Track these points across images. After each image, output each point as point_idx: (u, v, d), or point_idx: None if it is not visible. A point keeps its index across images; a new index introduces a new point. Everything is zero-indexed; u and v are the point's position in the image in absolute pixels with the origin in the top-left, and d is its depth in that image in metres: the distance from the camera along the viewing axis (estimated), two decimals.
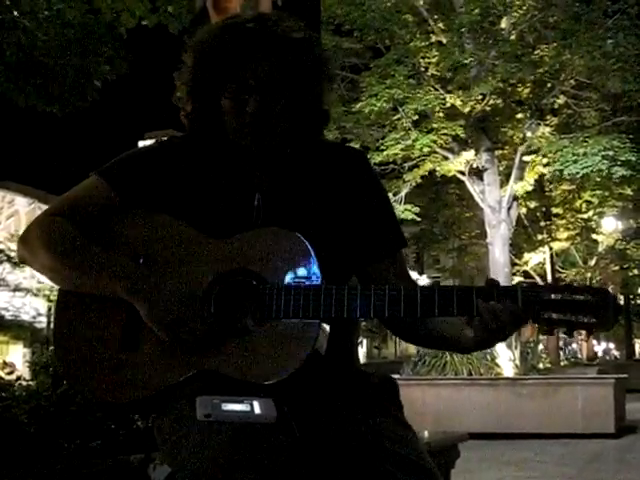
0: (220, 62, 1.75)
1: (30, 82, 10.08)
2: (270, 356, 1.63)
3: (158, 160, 1.85)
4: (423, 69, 19.86)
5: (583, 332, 1.65)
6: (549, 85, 19.75)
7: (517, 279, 25.54)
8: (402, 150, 19.46)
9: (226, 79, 1.75)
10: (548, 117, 20.31)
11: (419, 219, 22.34)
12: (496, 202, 19.60)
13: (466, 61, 18.55)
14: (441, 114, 19.21)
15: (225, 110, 1.77)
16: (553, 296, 1.62)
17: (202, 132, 1.84)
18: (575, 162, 18.55)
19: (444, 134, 19.35)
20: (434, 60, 19.63)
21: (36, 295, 20.69)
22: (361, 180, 1.88)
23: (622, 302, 34.59)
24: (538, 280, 28.27)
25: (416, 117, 19.35)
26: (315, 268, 1.67)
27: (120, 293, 1.67)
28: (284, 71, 1.75)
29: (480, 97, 18.90)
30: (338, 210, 1.83)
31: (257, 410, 1.57)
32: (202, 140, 1.85)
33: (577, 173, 18.77)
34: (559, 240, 27.55)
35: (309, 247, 1.68)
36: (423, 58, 19.84)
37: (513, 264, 24.49)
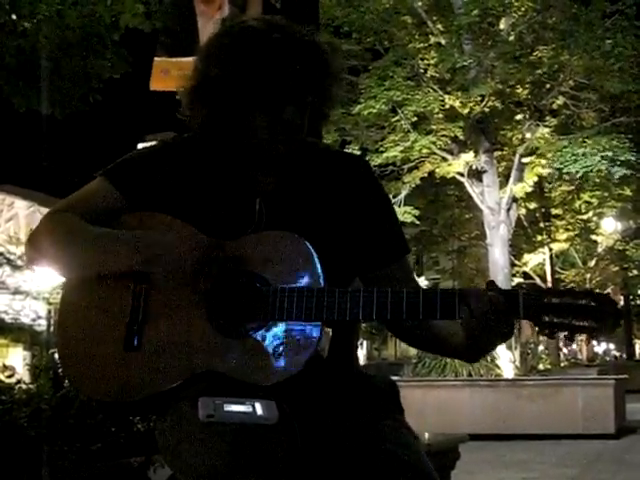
0: (252, 77, 1.73)
1: (30, 85, 10.08)
2: (273, 358, 1.63)
3: (162, 161, 1.85)
4: (422, 70, 19.86)
5: (584, 336, 1.65)
6: (548, 86, 19.77)
7: (517, 280, 25.56)
8: (401, 152, 19.46)
9: (259, 93, 1.73)
10: (547, 118, 20.31)
11: (418, 221, 22.36)
12: (495, 203, 19.60)
13: (465, 62, 18.55)
14: (440, 115, 19.21)
15: (256, 122, 1.75)
16: (554, 300, 1.62)
17: (214, 138, 1.84)
18: (575, 162, 18.57)
19: (443, 135, 19.35)
20: (433, 61, 19.64)
21: (36, 298, 20.68)
22: (363, 187, 1.88)
23: (622, 303, 34.62)
24: (538, 281, 28.30)
25: (415, 119, 19.36)
26: (319, 271, 1.68)
27: (130, 261, 1.68)
28: (315, 79, 1.76)
29: (479, 98, 18.89)
30: (339, 216, 1.83)
31: (259, 411, 1.57)
32: (206, 143, 1.85)
33: (577, 172, 18.79)
34: (559, 241, 27.56)
35: (313, 251, 1.69)
36: (422, 59, 19.85)
37: (513, 265, 24.49)
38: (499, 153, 20.51)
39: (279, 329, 1.65)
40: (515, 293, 1.63)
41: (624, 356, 45.09)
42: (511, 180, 19.93)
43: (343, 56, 19.88)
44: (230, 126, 1.79)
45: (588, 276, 30.66)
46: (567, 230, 27.17)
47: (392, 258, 1.88)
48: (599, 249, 30.28)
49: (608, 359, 47.02)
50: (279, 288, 1.66)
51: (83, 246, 1.74)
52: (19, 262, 19.59)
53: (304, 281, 1.67)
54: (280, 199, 1.81)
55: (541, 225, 27.83)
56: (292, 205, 1.81)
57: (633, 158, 18.73)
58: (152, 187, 1.82)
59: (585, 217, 26.52)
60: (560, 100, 20.26)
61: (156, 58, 4.30)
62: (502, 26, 19.58)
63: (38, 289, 20.22)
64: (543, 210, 27.16)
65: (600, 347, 50.21)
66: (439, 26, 19.80)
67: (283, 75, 1.72)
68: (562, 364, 27.93)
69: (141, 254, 1.68)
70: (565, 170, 18.96)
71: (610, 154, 18.39)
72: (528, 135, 19.95)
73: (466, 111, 19.06)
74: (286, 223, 1.75)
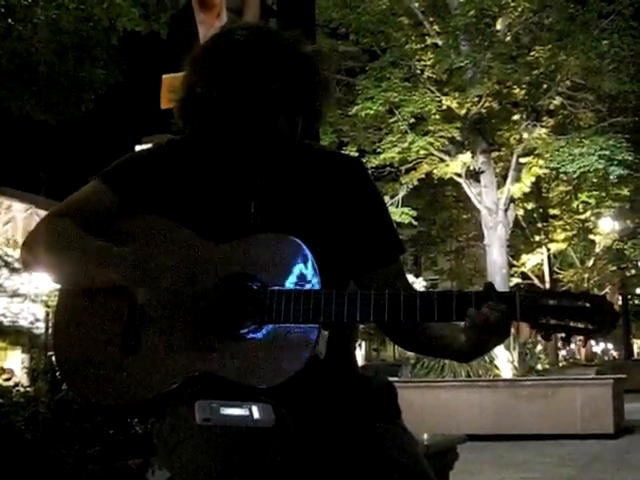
0: (238, 90, 1.72)
1: (25, 89, 10.09)
2: (269, 360, 1.63)
3: (157, 164, 1.85)
4: (419, 71, 19.89)
5: (581, 337, 1.66)
6: (545, 86, 19.78)
7: (515, 280, 25.59)
8: (399, 153, 19.48)
9: (245, 106, 1.72)
10: (544, 118, 20.34)
11: (416, 222, 22.38)
12: (493, 204, 19.62)
13: (462, 63, 18.57)
14: (437, 116, 19.23)
15: (244, 133, 1.75)
16: (551, 302, 1.63)
17: (206, 146, 1.83)
18: (572, 161, 18.60)
19: (440, 136, 19.37)
20: (430, 62, 19.66)
21: (34, 301, 20.70)
22: (358, 188, 1.88)
23: (620, 303, 34.65)
24: (536, 281, 28.33)
25: (412, 120, 19.38)
26: (315, 273, 1.67)
27: (121, 280, 1.66)
28: (301, 89, 1.75)
29: (476, 99, 18.92)
30: (334, 217, 1.83)
31: (256, 414, 1.57)
32: (201, 147, 1.85)
33: (574, 172, 18.83)
34: (556, 241, 27.61)
35: (309, 252, 1.68)
36: (419, 60, 19.88)
37: (511, 265, 24.53)
38: (496, 154, 20.53)
39: (276, 331, 1.65)
40: (512, 295, 1.64)
41: (616, 356, 45.14)
42: (509, 180, 19.95)
43: (339, 57, 19.97)
44: (219, 137, 1.79)
45: (586, 276, 30.69)
46: (565, 230, 27.21)
47: (387, 260, 1.88)
48: (597, 249, 30.32)
49: (606, 359, 47.06)
50: (276, 290, 1.66)
51: (78, 258, 1.73)
52: (17, 265, 19.58)
53: (301, 283, 1.67)
54: (275, 201, 1.81)
55: (539, 225, 27.89)
56: (287, 207, 1.81)
57: (630, 158, 18.77)
58: (148, 189, 1.81)
59: (583, 217, 26.54)
60: (557, 100, 20.28)
61: (164, 76, 4.28)
62: (499, 27, 19.60)
63: (36, 292, 20.22)
64: (541, 210, 27.20)
65: (598, 347, 50.25)
66: (436, 27, 19.82)
67: (271, 85, 1.71)
68: (560, 364, 28.03)
69: (135, 271, 1.66)
70: (562, 170, 19.00)
71: (607, 154, 18.42)
72: (525, 135, 19.96)
73: (463, 112, 19.09)
74: (281, 225, 1.75)
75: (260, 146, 1.75)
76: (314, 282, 1.67)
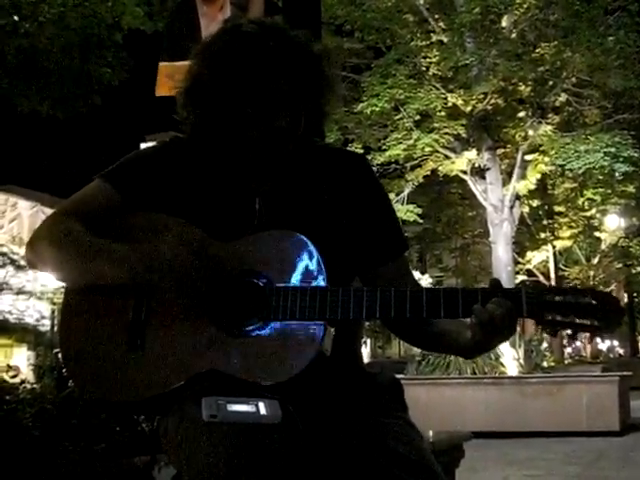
0: (243, 84, 1.72)
1: (32, 86, 10.11)
2: (275, 357, 1.63)
3: (161, 162, 1.85)
4: (424, 69, 19.87)
5: (586, 334, 1.65)
6: (550, 83, 19.76)
7: (520, 278, 25.55)
8: (404, 150, 19.47)
9: (250, 100, 1.73)
10: (550, 115, 20.32)
11: (421, 219, 22.37)
12: (498, 201, 19.61)
13: (467, 60, 18.55)
14: (443, 114, 19.22)
15: (247, 128, 1.75)
16: (557, 298, 1.62)
17: (206, 141, 1.83)
18: (578, 158, 18.58)
19: (446, 133, 19.36)
20: (435, 59, 19.65)
21: (40, 298, 20.74)
22: (362, 184, 1.89)
23: (626, 300, 34.58)
24: (541, 279, 28.28)
25: (418, 117, 19.38)
26: (320, 270, 1.68)
27: (127, 278, 1.66)
28: (307, 85, 1.76)
29: (481, 96, 18.90)
30: (339, 214, 1.83)
31: (263, 411, 1.57)
32: (204, 145, 1.85)
33: (579, 169, 18.81)
34: (562, 238, 27.55)
35: (314, 249, 1.69)
36: (424, 58, 19.87)
37: (516, 263, 24.50)
38: (502, 151, 20.52)
39: (282, 328, 1.65)
40: (518, 292, 1.64)
41: (622, 353, 45.01)
42: (514, 178, 19.94)
43: (345, 55, 19.95)
44: (220, 130, 1.79)
45: (592, 273, 30.64)
46: (570, 227, 27.16)
47: (391, 256, 1.88)
48: (602, 246, 30.28)
49: (612, 356, 46.97)
50: (282, 287, 1.66)
51: (83, 256, 1.73)
52: (23, 262, 19.62)
53: (307, 280, 1.67)
54: (280, 198, 1.81)
55: (544, 222, 27.83)
56: (292, 204, 1.81)
57: (636, 155, 18.75)
58: (153, 187, 1.82)
59: (588, 214, 26.50)
60: (562, 97, 20.26)
61: (160, 63, 4.28)
62: (504, 24, 19.58)
63: (42, 289, 20.26)
64: (546, 207, 27.15)
65: (604, 344, 50.11)
66: (441, 24, 19.81)
67: (274, 83, 1.72)
68: (566, 361, 27.93)
69: (141, 269, 1.67)
70: (568, 167, 18.98)
71: (613, 151, 18.39)
72: (531, 132, 19.94)
73: (469, 109, 19.07)
74: (286, 222, 1.75)
75: (263, 142, 1.76)
76: (320, 279, 1.67)
